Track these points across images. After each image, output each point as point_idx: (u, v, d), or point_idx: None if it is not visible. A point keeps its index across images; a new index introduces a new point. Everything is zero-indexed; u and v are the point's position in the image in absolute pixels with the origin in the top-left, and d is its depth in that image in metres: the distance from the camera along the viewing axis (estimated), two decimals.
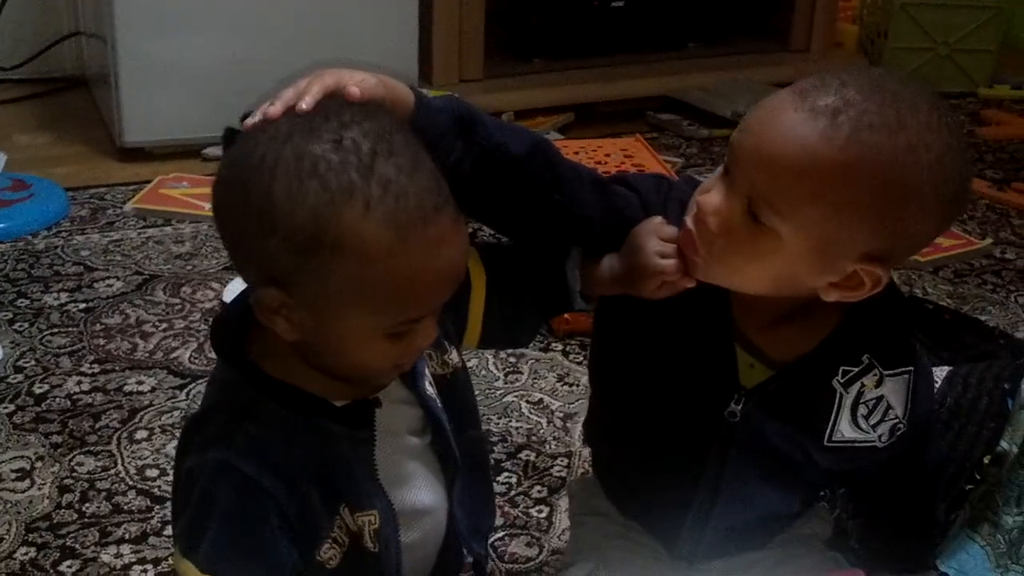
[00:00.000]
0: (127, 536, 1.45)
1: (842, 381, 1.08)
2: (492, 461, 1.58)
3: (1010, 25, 3.39)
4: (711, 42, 3.20)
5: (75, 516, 1.48)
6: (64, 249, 2.17)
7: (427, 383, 1.05)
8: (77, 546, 1.43)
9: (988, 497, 1.31)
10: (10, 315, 1.94)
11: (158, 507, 1.50)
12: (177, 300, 2.01)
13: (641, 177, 1.15)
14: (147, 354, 1.84)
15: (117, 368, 1.80)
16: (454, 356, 1.09)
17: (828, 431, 1.09)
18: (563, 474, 1.60)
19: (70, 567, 1.40)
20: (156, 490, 1.53)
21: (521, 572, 1.43)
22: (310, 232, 0.84)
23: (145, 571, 1.40)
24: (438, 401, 1.06)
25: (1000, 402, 1.39)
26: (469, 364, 1.13)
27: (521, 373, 1.83)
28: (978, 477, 1.34)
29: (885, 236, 0.97)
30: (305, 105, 0.89)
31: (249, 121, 0.90)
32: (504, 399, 1.76)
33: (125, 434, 1.64)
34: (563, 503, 1.52)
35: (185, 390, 1.75)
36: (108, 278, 2.08)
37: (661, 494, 1.17)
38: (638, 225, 1.07)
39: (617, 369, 1.18)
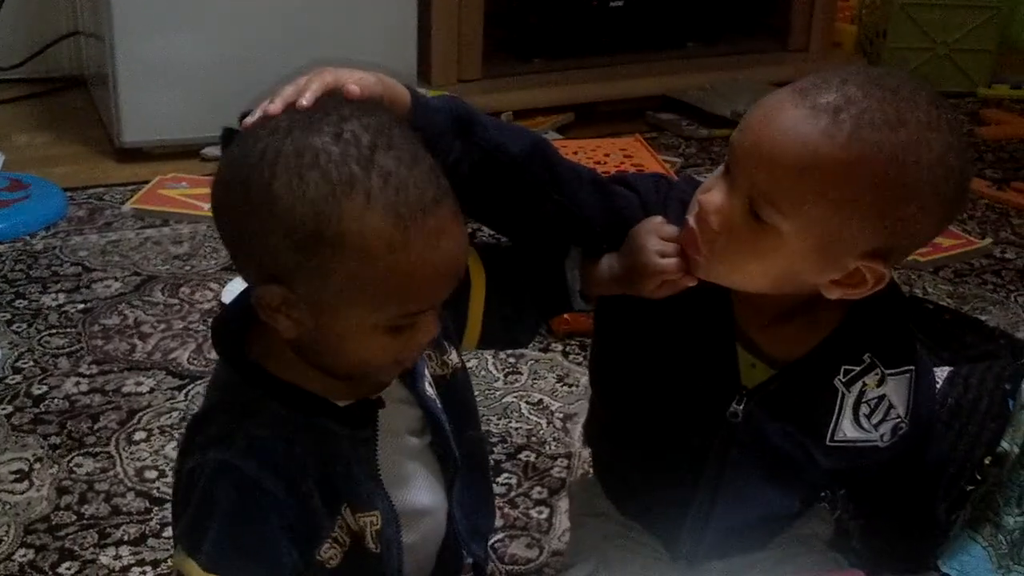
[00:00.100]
0: (126, 538, 1.45)
1: (844, 380, 1.08)
2: (492, 462, 1.58)
3: (1009, 25, 3.39)
4: (710, 42, 3.20)
5: (74, 518, 1.48)
6: (62, 250, 2.17)
7: (427, 383, 1.05)
8: (76, 548, 1.43)
9: (989, 498, 1.31)
10: (8, 316, 1.94)
11: (157, 509, 1.50)
12: (176, 301, 2.01)
13: (640, 177, 1.15)
14: (145, 355, 1.84)
15: (115, 369, 1.80)
16: (454, 356, 1.09)
17: (830, 431, 1.09)
18: (563, 475, 1.60)
19: (69, 569, 1.40)
20: (155, 491, 1.53)
21: (521, 573, 1.43)
22: (311, 226, 0.85)
23: (144, 573, 1.39)
24: (438, 401, 1.06)
25: (1001, 402, 1.39)
26: (468, 365, 1.13)
27: (521, 374, 1.83)
28: (979, 478, 1.34)
29: (887, 233, 0.97)
30: (305, 101, 0.90)
31: (248, 119, 0.91)
32: (504, 400, 1.76)
33: (124, 435, 1.64)
34: (563, 504, 1.52)
35: (184, 391, 1.75)
36: (106, 279, 2.07)
37: (662, 494, 1.17)
38: (638, 224, 1.07)
39: (617, 369, 1.17)
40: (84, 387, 1.75)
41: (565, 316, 1.79)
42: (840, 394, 1.08)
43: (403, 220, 0.85)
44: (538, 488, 1.57)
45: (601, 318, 1.18)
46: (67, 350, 1.84)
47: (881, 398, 1.09)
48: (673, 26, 3.15)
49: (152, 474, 1.56)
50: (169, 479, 1.54)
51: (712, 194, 1.00)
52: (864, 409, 1.09)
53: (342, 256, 0.85)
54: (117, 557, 1.42)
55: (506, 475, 1.58)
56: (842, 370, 1.08)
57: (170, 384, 1.76)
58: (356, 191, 0.85)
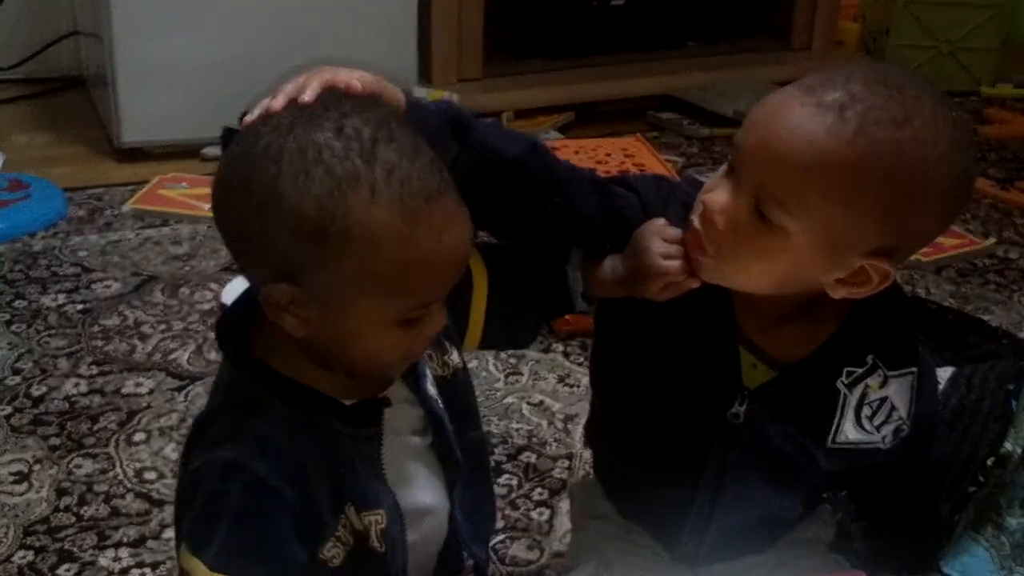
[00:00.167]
0: (125, 539, 1.45)
1: (846, 382, 1.08)
2: (493, 463, 1.58)
3: (1013, 23, 3.38)
4: (711, 40, 3.20)
5: (73, 519, 1.48)
6: (62, 250, 2.17)
7: (429, 384, 1.05)
8: (75, 549, 1.43)
9: (992, 499, 1.31)
10: (8, 316, 1.93)
11: (156, 510, 1.49)
12: (175, 301, 2.00)
13: (641, 178, 1.15)
14: (145, 356, 1.84)
15: (115, 370, 1.79)
16: (455, 357, 1.09)
17: (831, 432, 1.09)
18: (564, 476, 1.59)
19: (68, 571, 1.40)
20: (154, 493, 1.53)
21: (522, 575, 1.42)
22: (318, 221, 0.85)
23: (143, 574, 1.39)
24: (439, 402, 1.06)
25: (1004, 403, 1.39)
26: (469, 365, 1.13)
27: (521, 374, 1.83)
28: (981, 479, 1.33)
29: (892, 231, 0.97)
30: (306, 97, 0.90)
31: (249, 117, 0.91)
32: (504, 400, 1.75)
33: (123, 436, 1.64)
34: (564, 505, 1.51)
35: (184, 392, 1.75)
36: (106, 279, 2.07)
37: (662, 495, 1.16)
38: (641, 227, 1.07)
39: (618, 370, 1.17)
40: (84, 388, 1.75)
41: (566, 316, 1.78)
42: (842, 396, 1.08)
43: (409, 211, 0.86)
44: (539, 489, 1.57)
45: (601, 319, 1.18)
46: (67, 351, 1.84)
47: (883, 400, 1.09)
48: (674, 25, 3.14)
49: (152, 475, 1.56)
50: (169, 480, 1.54)
51: (716, 194, 0.99)
52: (866, 411, 1.09)
53: (350, 250, 0.86)
54: (116, 559, 1.42)
55: (507, 476, 1.58)
56: (844, 372, 1.08)
57: (170, 385, 1.76)
58: (361, 185, 0.85)
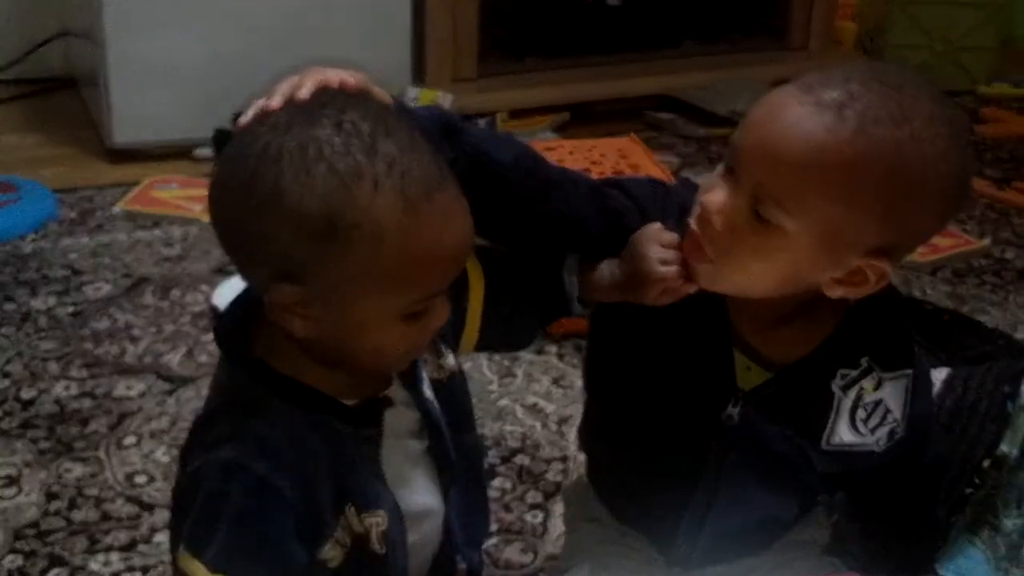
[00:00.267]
0: (116, 544, 1.44)
1: (841, 384, 1.08)
2: (486, 465, 1.57)
3: (1009, 23, 3.38)
4: (708, 40, 3.19)
5: (63, 523, 1.47)
6: (52, 252, 2.15)
7: (426, 387, 1.05)
8: (65, 554, 1.42)
9: (988, 501, 1.31)
10: None
11: (147, 514, 1.49)
12: (166, 303, 2.00)
13: (636, 181, 1.15)
14: (136, 358, 1.83)
15: (105, 373, 1.79)
16: (451, 360, 1.09)
17: (825, 434, 1.09)
18: (558, 479, 1.59)
19: (58, 575, 1.39)
20: (145, 497, 1.52)
21: None
22: (323, 218, 0.85)
23: None
24: (436, 405, 1.05)
25: (1000, 405, 1.38)
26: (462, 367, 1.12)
27: (515, 376, 1.82)
28: (978, 481, 1.33)
29: (890, 230, 0.97)
30: (302, 96, 0.91)
31: (243, 118, 0.91)
32: (498, 403, 1.75)
33: (113, 440, 1.63)
34: (558, 508, 1.51)
35: (174, 395, 1.74)
36: (96, 281, 2.06)
37: (657, 498, 1.16)
38: (638, 232, 1.07)
39: (613, 372, 1.17)
40: (74, 391, 1.74)
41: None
42: (836, 398, 1.08)
43: (411, 203, 0.86)
44: (533, 492, 1.57)
45: (596, 321, 1.18)
46: (56, 354, 1.83)
47: (878, 403, 1.09)
48: (671, 24, 3.14)
49: (142, 479, 1.55)
50: (159, 484, 1.54)
51: (714, 194, 0.99)
52: (860, 413, 1.09)
53: (355, 245, 0.86)
54: (107, 563, 1.41)
55: (500, 479, 1.58)
56: (839, 374, 1.08)
57: (161, 388, 1.75)
58: (363, 179, 0.85)
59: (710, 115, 2.87)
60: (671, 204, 1.09)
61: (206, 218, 2.23)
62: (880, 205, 0.95)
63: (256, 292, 0.94)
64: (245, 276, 0.95)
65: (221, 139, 0.94)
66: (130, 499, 1.51)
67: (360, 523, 0.98)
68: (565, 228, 1.08)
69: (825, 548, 1.25)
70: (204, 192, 2.53)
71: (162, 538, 1.44)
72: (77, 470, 1.56)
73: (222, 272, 2.07)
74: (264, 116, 0.90)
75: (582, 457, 1.60)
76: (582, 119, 2.91)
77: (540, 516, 1.52)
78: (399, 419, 1.02)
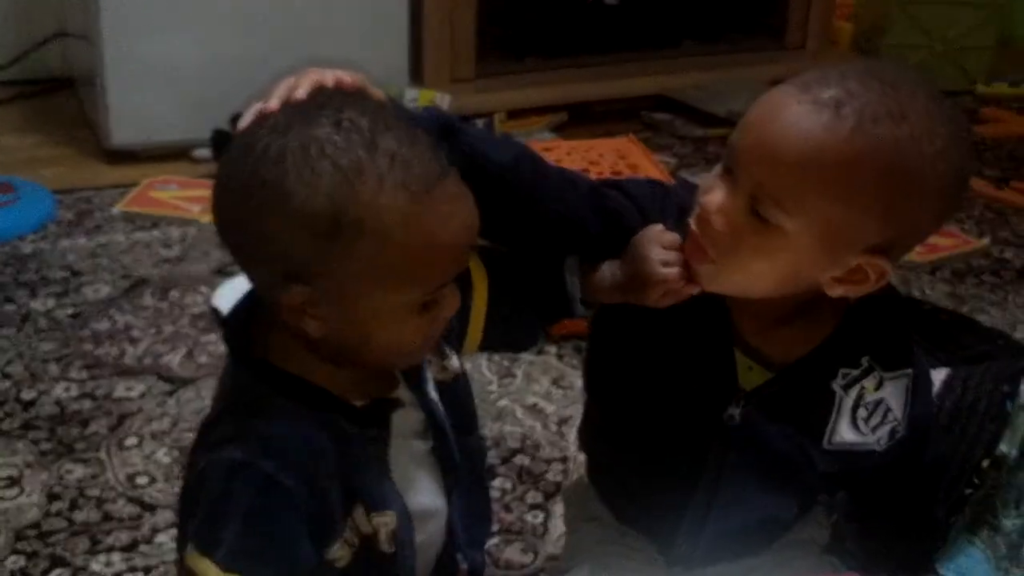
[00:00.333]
0: (117, 544, 1.44)
1: (842, 384, 1.08)
2: (487, 466, 1.57)
3: (1008, 22, 3.38)
4: (706, 40, 3.20)
5: (65, 524, 1.47)
6: (51, 253, 2.15)
7: (430, 388, 1.05)
8: (67, 554, 1.42)
9: (988, 500, 1.32)
10: None
11: (148, 515, 1.49)
12: (165, 304, 2.00)
13: (635, 182, 1.15)
14: (136, 360, 1.83)
15: (105, 374, 1.79)
16: (454, 361, 1.09)
17: (827, 434, 1.09)
18: (558, 479, 1.59)
19: (60, 575, 1.39)
20: (146, 497, 1.52)
21: None
22: (329, 216, 0.86)
23: None
24: (440, 406, 1.06)
25: (999, 405, 1.38)
26: None
27: (515, 377, 1.82)
28: (977, 481, 1.33)
29: (890, 228, 0.97)
30: (299, 96, 0.91)
31: (242, 122, 0.91)
32: (498, 403, 1.75)
33: (114, 441, 1.63)
34: (558, 508, 1.51)
35: (174, 396, 1.74)
36: (96, 283, 2.06)
37: (658, 498, 1.16)
38: (639, 233, 1.07)
39: (614, 373, 1.17)
40: (74, 392, 1.74)
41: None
42: (838, 397, 1.08)
43: (415, 195, 0.87)
44: (533, 492, 1.57)
45: (596, 322, 1.18)
46: (56, 355, 1.83)
47: (879, 402, 1.09)
48: (668, 25, 3.14)
49: (143, 480, 1.55)
50: (160, 485, 1.54)
51: (713, 195, 0.99)
52: (862, 412, 1.09)
53: (363, 240, 0.86)
54: (108, 563, 1.41)
55: (501, 479, 1.58)
56: (840, 373, 1.08)
57: (161, 389, 1.75)
58: (367, 175, 0.86)
59: (707, 115, 2.87)
60: (670, 205, 1.09)
61: (205, 219, 2.25)
62: (879, 203, 0.95)
63: (264, 294, 0.94)
64: (253, 279, 0.95)
65: (219, 140, 0.95)
66: (131, 500, 1.51)
67: (369, 523, 0.98)
68: (563, 228, 1.08)
69: (825, 548, 1.25)
70: (203, 193, 2.55)
71: (164, 538, 1.45)
72: (78, 471, 1.56)
73: (221, 273, 2.07)
74: (263, 118, 0.90)
75: (582, 457, 1.60)
76: (580, 119, 2.91)
77: (540, 516, 1.52)
78: (405, 420, 1.02)
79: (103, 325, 1.92)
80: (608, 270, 1.09)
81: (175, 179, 2.44)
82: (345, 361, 0.96)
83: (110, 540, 1.45)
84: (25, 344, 1.86)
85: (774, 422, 1.09)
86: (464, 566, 1.13)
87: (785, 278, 1.00)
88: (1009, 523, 1.28)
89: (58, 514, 1.49)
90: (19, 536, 1.45)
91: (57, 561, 1.41)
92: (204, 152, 2.44)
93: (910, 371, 1.11)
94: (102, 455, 1.60)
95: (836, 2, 3.33)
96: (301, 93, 0.91)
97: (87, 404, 1.71)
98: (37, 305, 1.97)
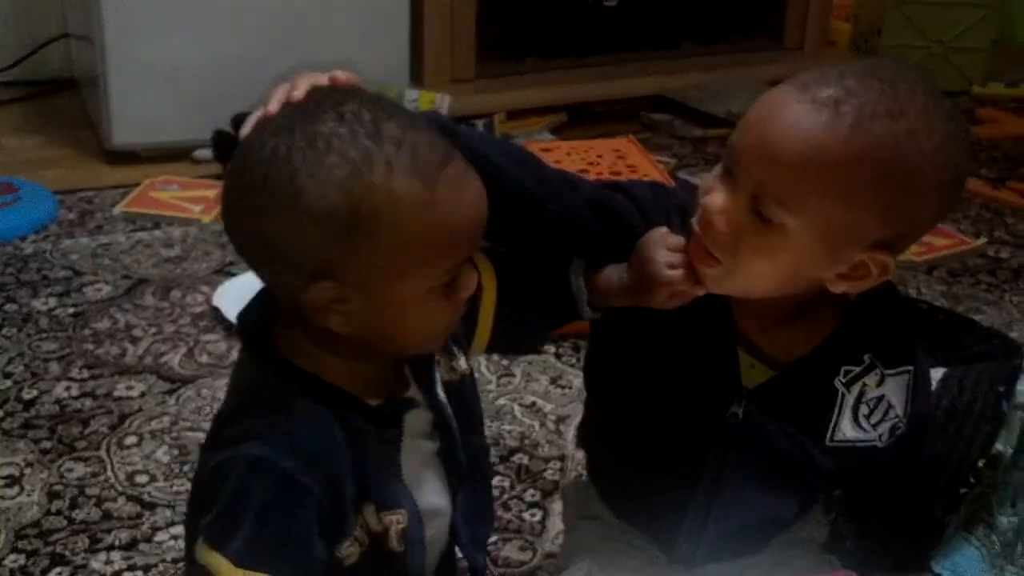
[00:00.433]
0: (117, 543, 1.45)
1: (844, 381, 1.09)
2: None
3: (1004, 23, 3.39)
4: (705, 41, 3.20)
5: (65, 523, 1.48)
6: (52, 253, 2.16)
7: (438, 388, 1.05)
8: (67, 553, 1.43)
9: (983, 499, 1.32)
10: None
11: (148, 513, 1.49)
12: (166, 304, 2.00)
13: (638, 184, 1.15)
14: (136, 359, 1.84)
15: (106, 373, 1.79)
16: (462, 363, 1.09)
17: (829, 431, 1.10)
18: (556, 477, 1.60)
19: (60, 574, 1.40)
20: (146, 496, 1.52)
21: None
22: (345, 208, 0.86)
23: None
24: (448, 407, 1.06)
25: (995, 405, 1.38)
26: None
27: (514, 376, 1.83)
28: (973, 480, 1.34)
29: (891, 223, 0.97)
30: (297, 96, 0.92)
31: (245, 129, 0.92)
32: (497, 402, 1.76)
33: (114, 440, 1.63)
34: (556, 507, 1.52)
35: (175, 395, 1.74)
36: (97, 282, 2.06)
37: (659, 497, 1.16)
38: (644, 236, 1.07)
39: (615, 372, 1.17)
40: (75, 391, 1.74)
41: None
42: (840, 394, 1.09)
43: (425, 178, 0.88)
44: (531, 491, 1.57)
45: (597, 321, 1.18)
46: (57, 354, 1.84)
47: (880, 398, 1.10)
48: (667, 25, 3.14)
49: (143, 479, 1.56)
50: (161, 483, 1.55)
51: (714, 195, 1.00)
52: (863, 409, 1.10)
53: (379, 228, 0.87)
54: (108, 562, 1.41)
55: (499, 478, 1.58)
56: (842, 371, 1.08)
57: (161, 388, 1.76)
58: (376, 163, 0.87)
59: (706, 115, 2.87)
60: (672, 207, 1.10)
61: (206, 219, 2.26)
62: (880, 200, 0.95)
63: (283, 296, 0.95)
64: (272, 282, 0.95)
65: (220, 140, 0.95)
66: (131, 498, 1.52)
67: (379, 521, 0.98)
68: (563, 229, 1.08)
69: (823, 546, 1.25)
70: (204, 193, 2.56)
71: (163, 537, 1.45)
72: (78, 470, 1.57)
73: (222, 273, 2.08)
74: (265, 123, 0.91)
75: (579, 456, 1.61)
76: (579, 120, 2.91)
77: (539, 515, 1.52)
78: (415, 420, 1.03)
79: (104, 324, 1.93)
80: (614, 273, 1.09)
81: (176, 180, 2.44)
82: (369, 354, 0.97)
83: (110, 539, 1.45)
84: (26, 343, 1.86)
85: (776, 420, 1.09)
86: (463, 564, 1.13)
87: (787, 277, 1.01)
88: (1005, 521, 1.29)
89: (58, 513, 1.49)
90: (19, 535, 1.45)
91: (57, 559, 1.41)
92: (205, 153, 2.45)
93: (911, 368, 1.11)
94: (102, 454, 1.60)
95: (834, 3, 3.33)
96: (298, 94, 0.92)
97: (88, 403, 1.71)
98: (38, 305, 1.98)
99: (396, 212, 0.87)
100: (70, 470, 1.57)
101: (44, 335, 1.89)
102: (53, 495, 1.52)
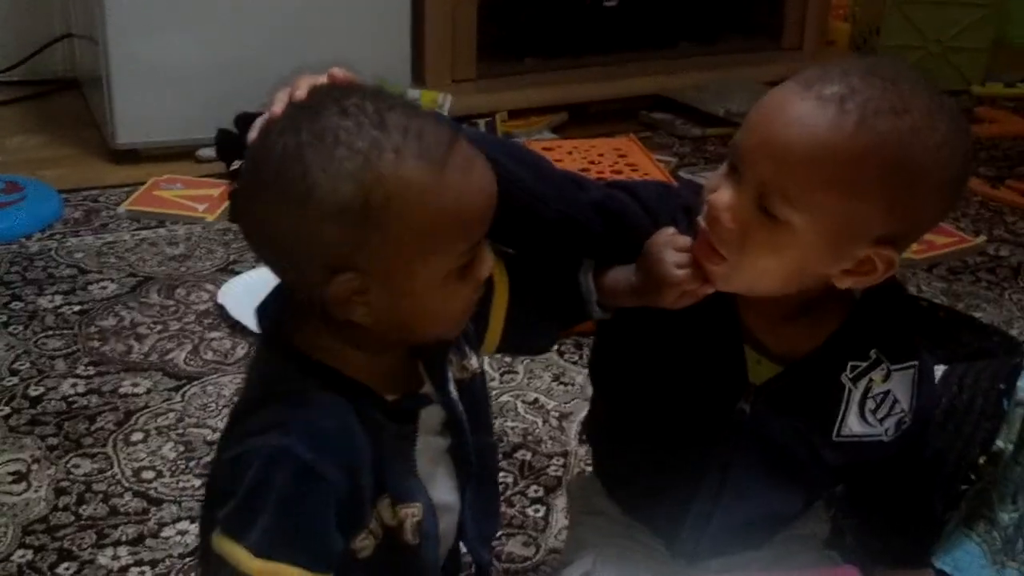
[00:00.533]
0: (124, 538, 1.45)
1: (851, 376, 1.09)
2: None
3: (1003, 22, 3.39)
4: (704, 41, 3.21)
5: (72, 518, 1.48)
6: (58, 251, 2.17)
7: (451, 387, 1.06)
8: (74, 548, 1.43)
9: (984, 495, 1.33)
10: (5, 318, 1.94)
11: (154, 509, 1.50)
12: (171, 302, 2.01)
13: (643, 184, 1.15)
14: (142, 356, 1.84)
15: (112, 370, 1.80)
16: (473, 362, 1.09)
17: (836, 426, 1.10)
18: (559, 473, 1.60)
19: (67, 569, 1.40)
20: (152, 492, 1.53)
21: (518, 571, 1.43)
22: (359, 198, 0.87)
23: (143, 573, 1.40)
24: (460, 405, 1.06)
25: (996, 402, 1.39)
26: None
27: (517, 373, 1.84)
28: (973, 477, 1.34)
29: (896, 219, 0.98)
30: (299, 95, 0.93)
31: (251, 135, 0.93)
32: (500, 399, 1.76)
33: (121, 436, 1.64)
34: (559, 502, 1.52)
35: (180, 392, 1.75)
36: (102, 280, 2.07)
37: (665, 491, 1.17)
38: (652, 237, 1.07)
39: (622, 369, 1.17)
40: (81, 388, 1.75)
41: None
42: (847, 390, 1.09)
43: (434, 162, 0.89)
44: (534, 487, 1.58)
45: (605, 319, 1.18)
46: (64, 352, 1.85)
47: (886, 393, 1.10)
48: (667, 25, 3.15)
49: (150, 475, 1.56)
50: (167, 479, 1.55)
51: (720, 193, 1.00)
52: (870, 404, 1.10)
53: (394, 215, 0.88)
54: (115, 557, 1.42)
55: (503, 474, 1.58)
56: (848, 366, 1.09)
57: (167, 385, 1.77)
58: (384, 151, 0.87)
59: (705, 115, 2.88)
60: (678, 207, 1.10)
61: (210, 218, 2.27)
62: (885, 195, 0.96)
63: (303, 293, 0.95)
64: (295, 281, 0.95)
65: (223, 139, 0.95)
66: (138, 494, 1.52)
67: (394, 515, 0.98)
68: (568, 229, 1.08)
69: (825, 542, 1.26)
70: (207, 192, 2.56)
71: (170, 532, 1.46)
72: (85, 466, 1.58)
73: (226, 271, 2.09)
74: (270, 125, 0.91)
75: (582, 452, 1.62)
76: (579, 119, 2.92)
77: (542, 510, 1.53)
78: (429, 416, 1.03)
79: (109, 322, 1.94)
80: (622, 274, 1.10)
81: (180, 178, 2.45)
82: (390, 345, 0.97)
83: (117, 534, 1.45)
84: (33, 341, 1.87)
85: (783, 416, 1.09)
86: (467, 560, 1.13)
87: (793, 273, 1.01)
88: (1006, 517, 1.30)
89: (65, 508, 1.50)
90: (27, 530, 1.45)
91: (64, 555, 1.42)
92: (208, 152, 2.45)
93: (916, 363, 1.12)
94: (109, 450, 1.61)
95: (833, 2, 3.34)
96: (300, 94, 0.93)
97: (94, 400, 1.72)
98: (44, 303, 1.99)
99: (409, 198, 0.88)
100: (77, 466, 1.58)
101: (50, 332, 1.90)
102: (60, 491, 1.53)
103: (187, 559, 1.41)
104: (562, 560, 1.30)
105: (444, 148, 0.90)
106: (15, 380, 1.77)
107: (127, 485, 1.54)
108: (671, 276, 1.04)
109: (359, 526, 0.96)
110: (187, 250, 2.19)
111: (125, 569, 1.41)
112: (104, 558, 1.42)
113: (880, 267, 1.01)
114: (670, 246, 1.05)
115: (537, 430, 1.70)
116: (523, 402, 1.76)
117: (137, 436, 1.64)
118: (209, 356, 1.84)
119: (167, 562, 1.41)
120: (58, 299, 2.00)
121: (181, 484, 1.55)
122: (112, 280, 2.07)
